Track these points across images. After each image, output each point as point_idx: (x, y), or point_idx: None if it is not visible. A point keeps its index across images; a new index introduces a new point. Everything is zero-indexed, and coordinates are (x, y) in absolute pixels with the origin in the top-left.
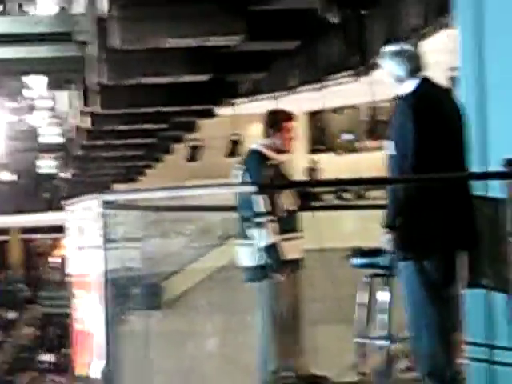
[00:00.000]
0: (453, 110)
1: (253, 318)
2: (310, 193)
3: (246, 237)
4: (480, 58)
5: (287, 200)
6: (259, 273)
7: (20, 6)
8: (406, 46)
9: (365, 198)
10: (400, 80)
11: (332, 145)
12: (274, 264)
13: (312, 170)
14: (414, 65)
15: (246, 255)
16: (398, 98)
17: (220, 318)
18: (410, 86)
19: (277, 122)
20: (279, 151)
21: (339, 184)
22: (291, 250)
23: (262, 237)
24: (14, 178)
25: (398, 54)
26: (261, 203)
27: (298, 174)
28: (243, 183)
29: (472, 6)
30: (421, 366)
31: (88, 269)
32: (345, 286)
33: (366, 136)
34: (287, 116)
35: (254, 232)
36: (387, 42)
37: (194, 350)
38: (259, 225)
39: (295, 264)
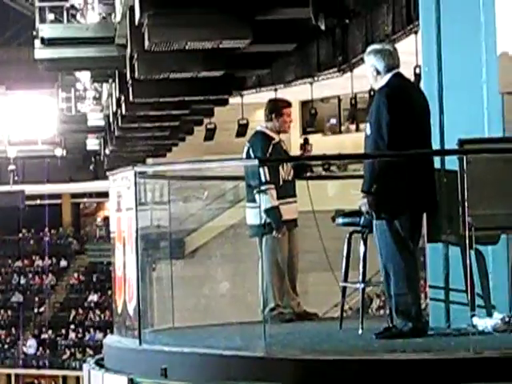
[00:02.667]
0: (419, 99)
1: (256, 266)
2: (303, 165)
3: (252, 201)
4: (438, 58)
5: (285, 171)
6: (262, 230)
7: (72, 15)
8: (387, 46)
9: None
10: (379, 73)
11: (321, 127)
12: (274, 223)
13: (304, 148)
14: (392, 61)
15: (252, 215)
16: (376, 91)
17: (230, 266)
18: (385, 79)
19: (277, 108)
20: (279, 132)
21: (326, 158)
22: (288, 211)
23: (265, 201)
24: (65, 153)
25: (379, 51)
26: (263, 174)
27: (294, 150)
28: (249, 158)
29: (432, 16)
30: (390, 304)
31: (125, 226)
32: (331, 241)
33: (347, 120)
34: (286, 103)
35: (258, 197)
36: (366, 44)
37: (209, 291)
38: (262, 191)
39: (291, 223)
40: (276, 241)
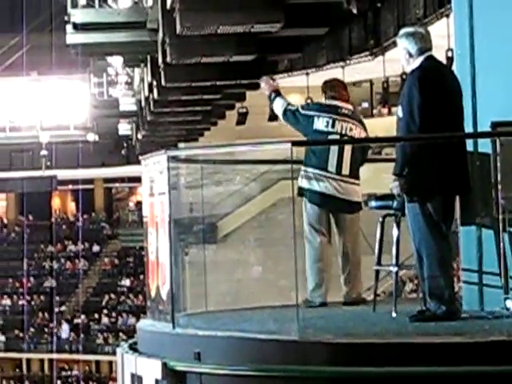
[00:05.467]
0: (452, 82)
1: (289, 250)
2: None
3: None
4: (471, 41)
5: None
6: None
7: (104, 0)
8: (420, 29)
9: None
10: (411, 56)
11: None
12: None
13: None
14: (424, 44)
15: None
16: (408, 74)
17: (262, 250)
18: (417, 62)
19: (333, 86)
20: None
21: (359, 142)
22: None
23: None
24: (97, 138)
25: (412, 34)
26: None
27: None
28: (279, 141)
29: None
30: (423, 288)
31: (158, 211)
32: (364, 224)
33: (379, 104)
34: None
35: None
36: (398, 28)
37: (241, 275)
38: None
39: (342, 204)
40: (315, 223)
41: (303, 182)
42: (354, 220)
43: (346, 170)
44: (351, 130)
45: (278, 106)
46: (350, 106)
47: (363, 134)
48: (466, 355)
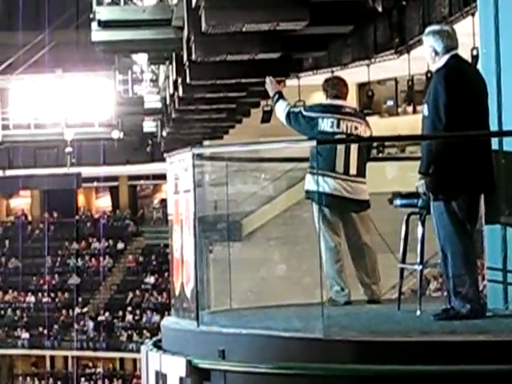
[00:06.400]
0: (477, 81)
1: (313, 248)
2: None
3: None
4: (496, 40)
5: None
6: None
7: None
8: (446, 27)
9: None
10: (437, 54)
11: (377, 109)
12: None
13: None
14: (450, 42)
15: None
16: (434, 72)
17: (287, 248)
18: (443, 60)
19: (335, 84)
20: None
21: (383, 140)
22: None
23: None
24: (122, 136)
25: (438, 32)
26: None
27: None
28: (304, 139)
29: None
30: (448, 286)
31: (182, 208)
32: (389, 223)
33: (404, 102)
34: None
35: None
36: (423, 26)
37: (265, 273)
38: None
39: (352, 203)
40: (327, 224)
41: (310, 185)
42: (366, 218)
43: (353, 170)
44: (356, 128)
45: (281, 109)
46: (352, 105)
47: (368, 133)
48: (491, 354)
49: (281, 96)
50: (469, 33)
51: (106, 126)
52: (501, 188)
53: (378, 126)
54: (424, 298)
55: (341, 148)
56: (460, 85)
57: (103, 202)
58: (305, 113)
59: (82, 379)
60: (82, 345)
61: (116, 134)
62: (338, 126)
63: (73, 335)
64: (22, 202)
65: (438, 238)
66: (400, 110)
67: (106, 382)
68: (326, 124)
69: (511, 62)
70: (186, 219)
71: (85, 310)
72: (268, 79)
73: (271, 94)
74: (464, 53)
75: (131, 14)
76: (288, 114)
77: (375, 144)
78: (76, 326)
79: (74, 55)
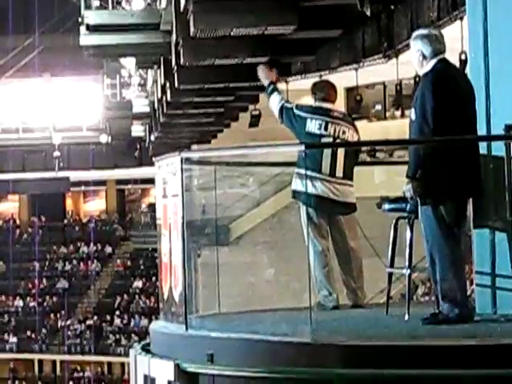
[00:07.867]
0: (465, 85)
1: (301, 252)
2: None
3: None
4: (485, 44)
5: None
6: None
7: (117, 2)
8: (433, 31)
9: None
10: (425, 58)
11: (366, 114)
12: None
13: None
14: (438, 46)
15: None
16: (421, 76)
17: (275, 253)
18: (430, 65)
19: (323, 87)
20: None
21: (371, 144)
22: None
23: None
24: (110, 140)
25: (426, 36)
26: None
27: None
28: (292, 143)
29: (478, 1)
30: (436, 291)
31: (171, 213)
32: (377, 227)
33: (393, 107)
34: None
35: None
36: (412, 30)
37: (254, 277)
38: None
39: (340, 206)
40: (314, 228)
41: (297, 185)
42: (353, 222)
43: (339, 173)
44: (344, 132)
45: (275, 102)
46: (341, 109)
47: (356, 137)
48: (479, 358)
49: (275, 88)
50: (457, 37)
51: (94, 130)
52: (489, 192)
53: (366, 130)
54: (412, 302)
55: (327, 150)
56: (447, 89)
57: (91, 206)
58: (296, 111)
59: (71, 383)
60: (70, 349)
61: (104, 138)
62: (326, 129)
63: (61, 339)
64: (11, 206)
65: (425, 242)
66: (388, 114)
67: None
68: (313, 125)
69: (500, 66)
70: (174, 223)
71: (73, 313)
72: (260, 67)
73: (265, 83)
74: (452, 57)
75: (120, 18)
76: (281, 109)
77: (366, 148)
78: (64, 330)
79: (63, 59)
